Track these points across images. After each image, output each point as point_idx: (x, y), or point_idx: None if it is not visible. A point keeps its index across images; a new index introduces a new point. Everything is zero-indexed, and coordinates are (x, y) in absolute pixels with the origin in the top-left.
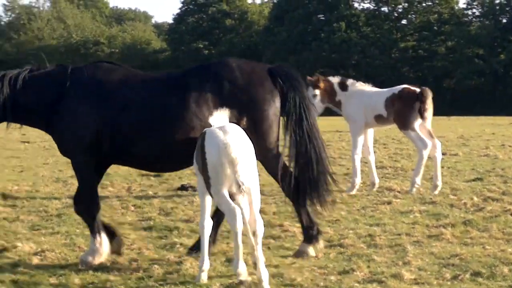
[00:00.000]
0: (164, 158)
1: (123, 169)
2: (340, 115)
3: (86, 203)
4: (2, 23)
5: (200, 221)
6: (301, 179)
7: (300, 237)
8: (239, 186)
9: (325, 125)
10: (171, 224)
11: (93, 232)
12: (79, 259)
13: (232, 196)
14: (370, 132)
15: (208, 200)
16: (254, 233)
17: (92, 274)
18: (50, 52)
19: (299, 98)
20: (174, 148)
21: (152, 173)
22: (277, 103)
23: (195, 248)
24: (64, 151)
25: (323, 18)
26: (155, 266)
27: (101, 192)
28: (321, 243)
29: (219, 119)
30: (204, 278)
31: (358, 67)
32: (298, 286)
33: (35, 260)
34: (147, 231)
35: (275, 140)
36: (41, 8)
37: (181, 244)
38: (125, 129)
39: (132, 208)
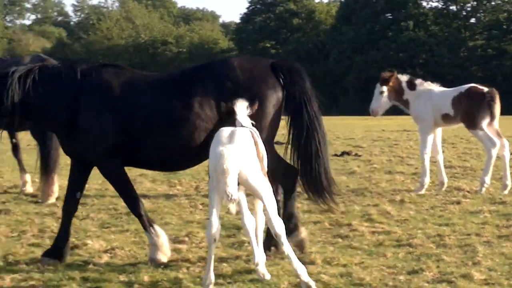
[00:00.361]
0: (170, 159)
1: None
2: (407, 114)
3: (128, 202)
4: (72, 23)
5: (241, 219)
6: (302, 172)
7: (369, 237)
8: (228, 197)
9: (392, 124)
10: (239, 222)
11: (145, 227)
12: (148, 258)
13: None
14: (439, 131)
15: (244, 197)
16: (276, 235)
17: (161, 271)
18: (119, 52)
19: (299, 92)
20: (180, 149)
21: None
22: (280, 98)
23: (265, 247)
24: (81, 155)
25: (390, 17)
26: (224, 264)
27: (169, 190)
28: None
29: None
30: (263, 271)
31: (425, 66)
32: (367, 286)
33: (105, 258)
34: None
35: (273, 136)
36: (110, 8)
37: (249, 242)
38: (133, 133)
39: (201, 206)
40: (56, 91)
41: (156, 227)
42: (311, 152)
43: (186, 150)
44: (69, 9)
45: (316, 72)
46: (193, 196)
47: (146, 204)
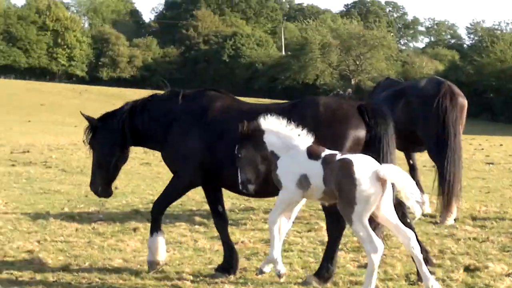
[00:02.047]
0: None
1: None
2: None
3: (157, 206)
4: (465, 45)
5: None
6: None
7: None
8: (418, 199)
9: None
10: None
11: (152, 230)
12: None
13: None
14: None
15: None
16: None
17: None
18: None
19: (381, 135)
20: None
21: None
22: (361, 138)
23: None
24: (174, 172)
25: None
26: None
27: None
28: None
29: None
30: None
31: None
32: None
33: (507, 282)
34: None
35: None
36: (504, 31)
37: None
38: (219, 156)
39: None
40: (159, 115)
41: (159, 235)
42: None
43: (266, 179)
44: (462, 32)
45: None
46: None
47: None
